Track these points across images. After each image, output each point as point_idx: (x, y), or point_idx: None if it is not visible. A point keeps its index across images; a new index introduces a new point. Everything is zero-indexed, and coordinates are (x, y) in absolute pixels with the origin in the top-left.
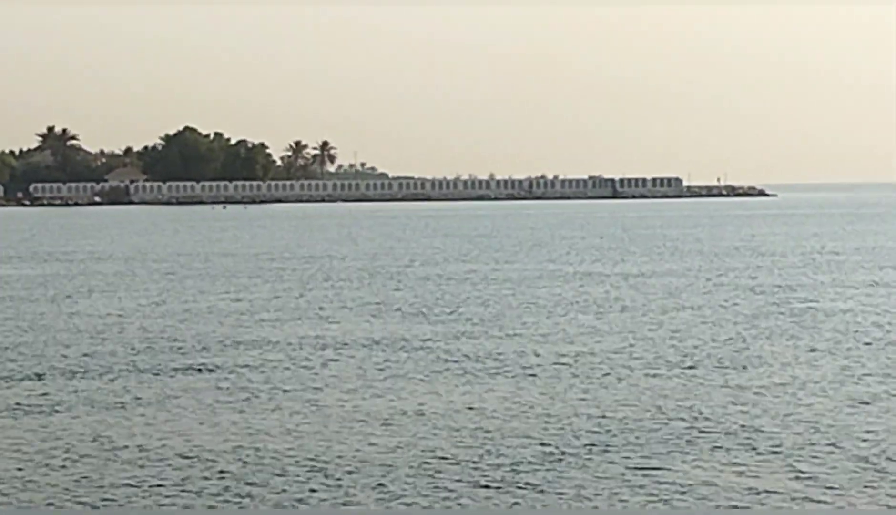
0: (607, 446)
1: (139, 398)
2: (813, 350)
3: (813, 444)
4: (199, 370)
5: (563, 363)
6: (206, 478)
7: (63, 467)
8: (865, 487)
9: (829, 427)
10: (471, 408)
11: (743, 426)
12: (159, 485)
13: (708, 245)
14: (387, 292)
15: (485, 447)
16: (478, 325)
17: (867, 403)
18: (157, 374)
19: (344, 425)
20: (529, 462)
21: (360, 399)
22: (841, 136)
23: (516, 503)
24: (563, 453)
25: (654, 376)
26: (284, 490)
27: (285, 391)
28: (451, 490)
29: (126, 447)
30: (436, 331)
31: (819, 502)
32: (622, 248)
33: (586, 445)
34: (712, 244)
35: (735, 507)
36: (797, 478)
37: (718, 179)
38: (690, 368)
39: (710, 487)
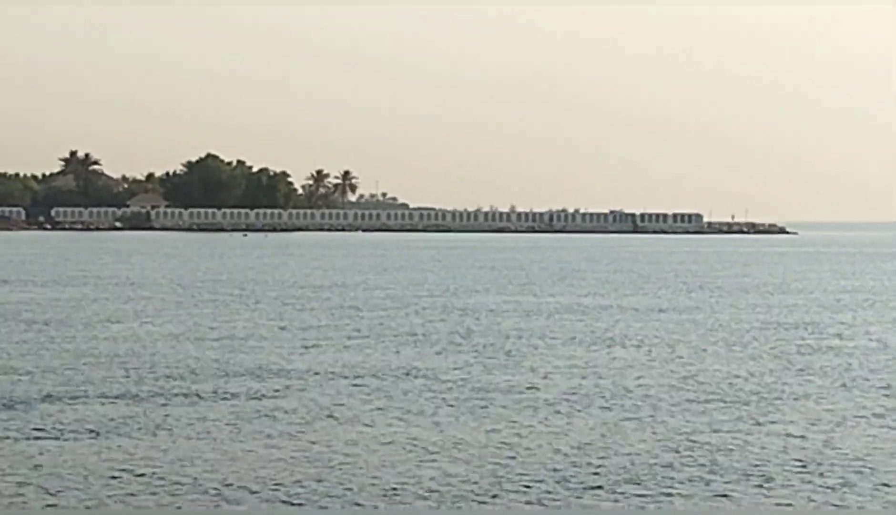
0: (630, 479)
1: (164, 423)
2: (833, 387)
3: (835, 479)
4: (219, 396)
5: (587, 396)
6: (222, 499)
7: (81, 489)
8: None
9: (848, 464)
10: (494, 440)
11: (766, 461)
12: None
13: (730, 282)
14: (415, 323)
15: (503, 478)
16: (503, 357)
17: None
18: (182, 399)
19: (363, 452)
20: (548, 493)
21: (378, 428)
22: (864, 174)
23: None
24: (583, 485)
25: (678, 410)
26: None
27: (312, 419)
28: None
29: (151, 471)
30: (462, 361)
31: None
32: (647, 282)
33: (608, 479)
34: (734, 281)
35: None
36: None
37: (733, 216)
38: (713, 403)
39: None
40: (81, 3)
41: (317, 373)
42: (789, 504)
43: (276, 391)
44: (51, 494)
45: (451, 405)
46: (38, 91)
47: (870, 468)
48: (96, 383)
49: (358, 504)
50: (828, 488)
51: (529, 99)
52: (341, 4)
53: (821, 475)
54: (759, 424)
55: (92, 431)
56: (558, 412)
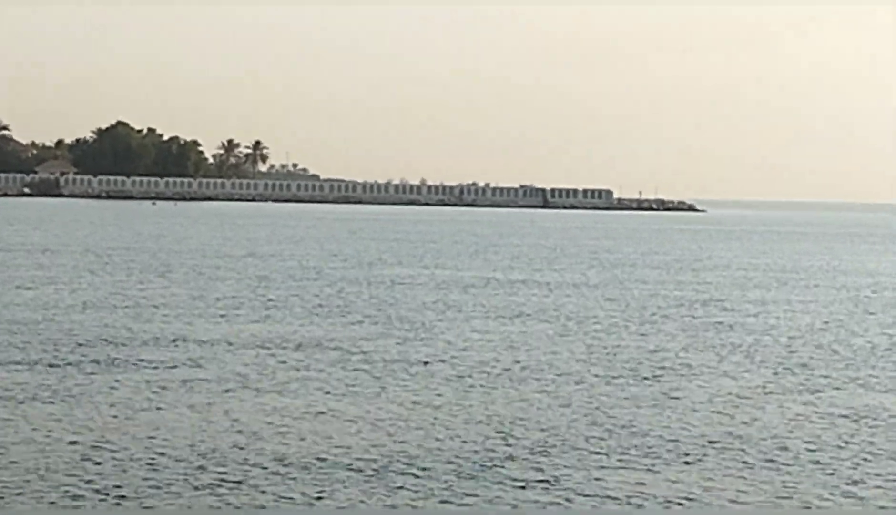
0: (542, 451)
1: (78, 392)
2: (741, 363)
3: (748, 453)
4: (134, 365)
5: (491, 371)
6: (114, 472)
7: None
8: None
9: (737, 435)
10: (408, 412)
11: (662, 434)
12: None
13: (641, 258)
14: (329, 294)
15: (418, 448)
16: (418, 330)
17: (783, 413)
18: (96, 367)
19: (277, 422)
20: (461, 463)
21: (292, 399)
22: (771, 154)
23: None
24: (496, 456)
25: (580, 384)
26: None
27: (227, 389)
28: (384, 494)
29: (65, 439)
30: (377, 333)
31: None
32: (555, 258)
33: (519, 450)
34: (645, 257)
35: (730, 507)
36: (717, 485)
37: (640, 193)
38: (615, 377)
39: (633, 492)
40: None
41: (231, 343)
42: (706, 479)
43: (191, 360)
44: None
45: (366, 377)
46: None
47: (778, 441)
48: (7, 350)
49: (275, 474)
50: (739, 462)
51: (439, 74)
52: None
53: (731, 448)
54: (669, 398)
55: (2, 398)
56: (471, 385)
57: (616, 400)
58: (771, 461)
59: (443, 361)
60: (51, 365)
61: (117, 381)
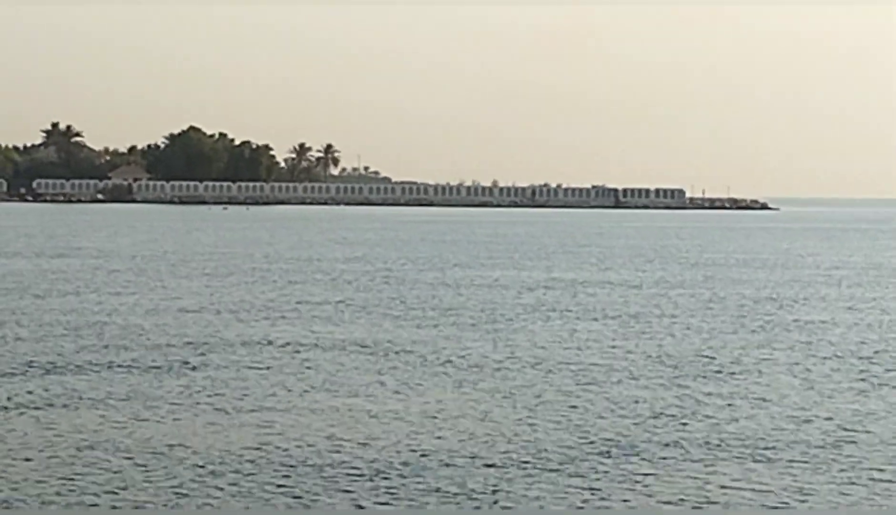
0: (595, 451)
1: (152, 394)
2: (811, 360)
3: (786, 447)
4: (217, 367)
5: (555, 370)
6: (181, 476)
7: (48, 463)
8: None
9: (822, 433)
10: (457, 412)
11: (724, 432)
12: (143, 481)
13: (705, 256)
14: (394, 297)
15: (462, 450)
16: (472, 330)
17: (839, 413)
18: (174, 371)
19: (321, 424)
20: (507, 467)
21: (338, 399)
22: (847, 150)
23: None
24: (544, 458)
25: (644, 383)
26: (262, 489)
27: (305, 390)
28: (430, 493)
29: (137, 440)
30: (455, 335)
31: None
32: (623, 256)
33: (571, 450)
34: (710, 255)
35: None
36: (775, 483)
37: (703, 191)
38: (679, 375)
39: (694, 492)
40: None
41: (314, 345)
42: (794, 478)
43: (282, 363)
44: (30, 464)
45: (443, 378)
46: (21, 63)
47: (865, 439)
48: (107, 354)
49: (358, 476)
50: (825, 462)
51: (512, 74)
52: None
53: (792, 447)
54: (715, 394)
55: (106, 399)
56: (557, 383)
57: (675, 397)
58: (860, 461)
59: (530, 361)
60: (126, 368)
61: (199, 383)
